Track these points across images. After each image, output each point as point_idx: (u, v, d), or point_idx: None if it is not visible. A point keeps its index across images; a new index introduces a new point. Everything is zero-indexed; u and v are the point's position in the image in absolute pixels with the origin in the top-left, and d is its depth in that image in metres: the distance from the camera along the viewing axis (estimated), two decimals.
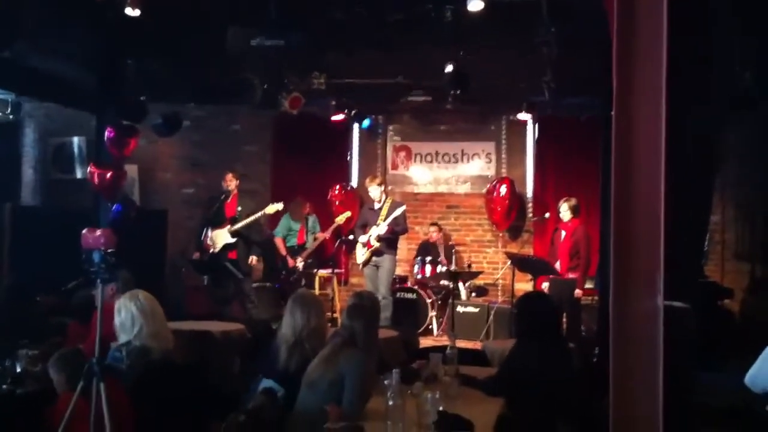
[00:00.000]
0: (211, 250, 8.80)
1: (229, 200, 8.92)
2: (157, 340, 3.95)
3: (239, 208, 8.82)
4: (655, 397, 2.11)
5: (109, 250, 3.71)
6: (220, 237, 8.78)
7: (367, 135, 10.78)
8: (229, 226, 8.76)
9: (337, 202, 10.28)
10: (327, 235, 9.60)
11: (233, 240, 8.74)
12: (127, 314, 4.04)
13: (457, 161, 10.61)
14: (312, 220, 9.77)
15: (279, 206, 8.89)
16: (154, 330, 3.97)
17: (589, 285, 8.28)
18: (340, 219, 9.47)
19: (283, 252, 9.57)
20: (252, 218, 8.69)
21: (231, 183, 8.89)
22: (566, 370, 4.28)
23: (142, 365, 3.84)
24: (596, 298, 7.98)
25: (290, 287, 8.78)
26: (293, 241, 9.65)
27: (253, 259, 8.97)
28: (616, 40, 2.22)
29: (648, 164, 2.14)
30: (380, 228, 8.71)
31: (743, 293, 9.10)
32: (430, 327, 9.33)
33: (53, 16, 7.14)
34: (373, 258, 8.78)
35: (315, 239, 9.60)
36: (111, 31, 7.55)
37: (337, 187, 10.40)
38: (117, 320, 4.08)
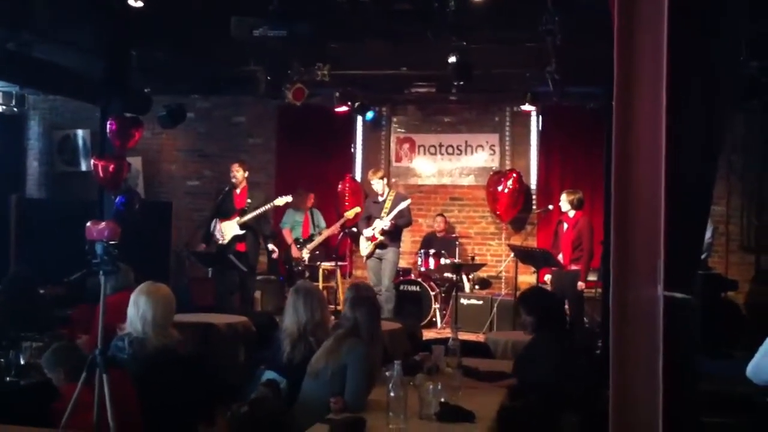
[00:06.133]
0: (220, 242, 8.68)
1: (238, 191, 8.70)
2: (156, 332, 3.93)
3: (249, 200, 8.63)
4: (655, 386, 2.11)
5: (112, 242, 3.72)
6: (229, 228, 8.58)
7: (370, 126, 10.76)
8: (238, 218, 8.55)
9: (347, 194, 10.25)
10: (335, 229, 9.52)
11: (242, 232, 8.62)
12: (132, 305, 4.04)
13: (461, 153, 10.59)
14: (315, 213, 9.73)
15: (288, 198, 8.81)
16: (155, 322, 3.95)
17: (592, 277, 8.26)
18: (350, 214, 9.35)
19: (290, 242, 9.55)
20: (262, 210, 8.51)
21: (238, 173, 8.73)
22: (571, 362, 4.29)
23: (142, 356, 3.84)
24: (599, 290, 7.95)
25: (294, 279, 8.76)
26: (298, 232, 9.64)
27: (274, 248, 8.99)
28: (616, 28, 2.20)
29: (648, 153, 2.13)
30: (384, 221, 8.68)
31: (749, 284, 9.07)
32: (434, 319, 9.33)
33: (57, 8, 7.13)
34: (377, 250, 8.76)
35: (320, 234, 9.56)
36: (115, 22, 7.53)
37: (347, 177, 10.38)
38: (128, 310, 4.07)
